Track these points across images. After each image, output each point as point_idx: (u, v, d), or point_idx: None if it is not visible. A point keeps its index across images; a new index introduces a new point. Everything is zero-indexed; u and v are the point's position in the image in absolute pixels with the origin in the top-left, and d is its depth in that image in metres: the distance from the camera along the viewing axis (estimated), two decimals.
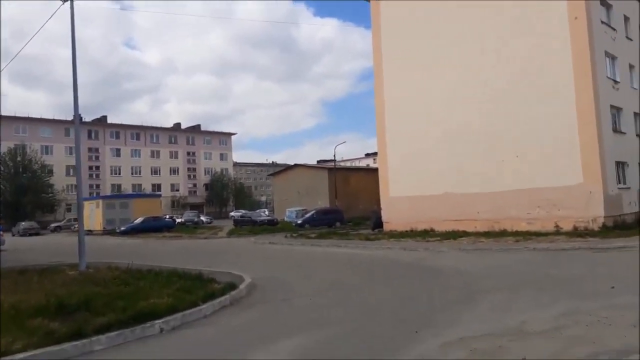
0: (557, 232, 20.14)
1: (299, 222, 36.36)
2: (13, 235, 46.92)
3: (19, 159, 64.07)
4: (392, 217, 28.18)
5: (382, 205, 29.00)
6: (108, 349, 5.94)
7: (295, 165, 57.80)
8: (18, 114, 65.71)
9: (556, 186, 21.66)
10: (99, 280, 10.72)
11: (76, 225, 48.53)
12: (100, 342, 5.93)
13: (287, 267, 14.52)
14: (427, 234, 23.28)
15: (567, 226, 20.77)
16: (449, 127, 25.44)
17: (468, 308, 7.36)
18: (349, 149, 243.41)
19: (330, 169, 50.60)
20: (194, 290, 9.01)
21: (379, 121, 29.17)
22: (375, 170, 50.83)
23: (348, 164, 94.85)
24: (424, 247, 18.00)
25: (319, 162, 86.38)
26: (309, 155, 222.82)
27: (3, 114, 67.67)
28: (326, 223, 36.09)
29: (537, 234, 19.63)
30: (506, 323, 6.18)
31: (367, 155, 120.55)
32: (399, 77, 28.04)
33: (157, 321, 6.81)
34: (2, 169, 64.25)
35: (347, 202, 45.98)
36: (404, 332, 6.07)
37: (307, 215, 37.99)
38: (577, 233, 19.11)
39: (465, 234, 22.12)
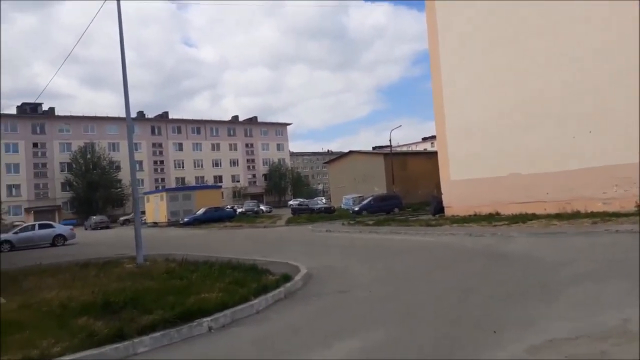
0: None
1: (356, 209, 35.69)
2: (85, 229, 49.54)
3: (88, 156, 67.62)
4: (454, 201, 26.92)
5: (443, 190, 27.76)
6: (152, 351, 5.55)
7: (351, 152, 56.91)
8: (86, 114, 69.08)
9: (635, 162, 19.63)
10: (154, 274, 10.62)
11: (144, 218, 50.87)
12: (144, 344, 5.55)
13: (344, 255, 13.91)
14: (492, 218, 21.89)
15: None
16: (514, 104, 23.77)
17: (549, 302, 6.40)
18: (405, 134, 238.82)
19: (386, 154, 49.39)
20: (247, 282, 8.61)
21: (437, 102, 27.81)
22: (434, 153, 49.06)
23: (404, 149, 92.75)
24: (490, 232, 16.79)
25: (374, 148, 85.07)
26: (364, 142, 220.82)
27: (74, 114, 71.64)
28: (384, 209, 35.18)
29: (617, 215, 17.81)
30: (602, 322, 5.20)
31: (424, 139, 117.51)
32: (456, 56, 26.55)
33: (205, 319, 6.39)
34: (74, 166, 68.05)
35: (405, 188, 44.72)
36: (479, 333, 5.26)
37: (364, 202, 37.22)
38: None
39: (534, 217, 20.59)
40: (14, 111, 66.90)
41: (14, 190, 66.45)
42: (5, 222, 50.05)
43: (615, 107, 20.30)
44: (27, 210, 65.57)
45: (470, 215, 24.25)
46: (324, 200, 55.56)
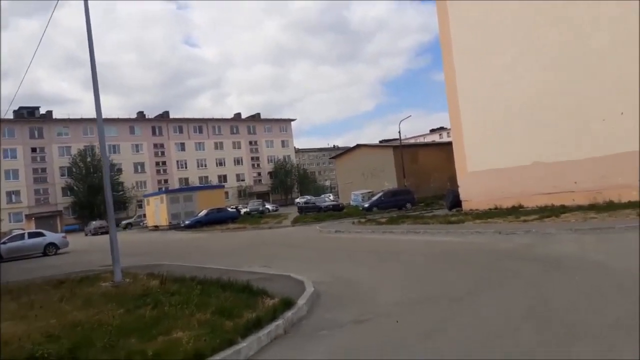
0: None
1: (366, 205, 33.66)
2: (86, 235, 47.89)
3: (89, 159, 65.93)
4: (472, 194, 24.90)
5: (459, 182, 25.74)
6: None
7: (358, 145, 54.77)
8: (85, 116, 67.37)
9: None
10: (127, 296, 8.72)
11: (145, 222, 49.10)
12: None
13: (357, 262, 11.92)
14: (516, 212, 19.86)
15: None
16: (537, 87, 21.75)
17: None
18: (412, 126, 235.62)
19: (395, 147, 47.25)
20: (237, 311, 6.65)
21: (450, 91, 25.79)
22: (447, 144, 46.97)
23: (412, 142, 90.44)
24: (523, 228, 14.72)
25: (381, 142, 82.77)
26: (370, 136, 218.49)
27: (75, 117, 70.10)
28: (395, 205, 33.13)
29: None
30: None
31: (432, 131, 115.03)
32: (470, 42, 24.61)
33: None
34: (74, 170, 66.43)
35: (417, 181, 42.64)
36: None
37: (374, 197, 35.19)
38: None
39: (564, 209, 18.55)
40: (11, 116, 65.15)
41: (13, 196, 64.86)
42: (4, 231, 48.41)
43: None
44: (28, 217, 64.04)
45: (490, 209, 22.28)
46: (331, 197, 53.57)
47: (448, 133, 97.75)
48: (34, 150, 67.52)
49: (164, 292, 8.44)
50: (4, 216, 57.70)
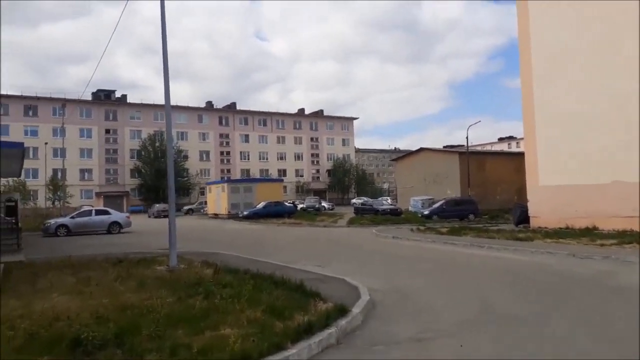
0: None
1: (426, 212, 32.55)
2: (149, 217, 49.80)
3: (157, 144, 68.65)
4: (542, 210, 23.33)
5: (529, 196, 24.23)
6: None
7: (421, 149, 53.32)
8: (157, 102, 70.23)
9: None
10: (180, 283, 8.64)
11: (206, 209, 50.39)
12: None
13: (415, 272, 11.30)
14: (591, 234, 18.31)
15: None
16: (621, 97, 20.05)
17: None
18: (479, 133, 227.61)
19: (461, 153, 45.52)
20: (288, 312, 6.31)
21: (526, 98, 24.30)
22: (517, 154, 44.86)
23: (478, 149, 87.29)
24: (600, 253, 13.45)
25: (445, 147, 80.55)
26: (434, 140, 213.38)
27: (148, 103, 73.33)
28: (457, 215, 31.82)
29: None
30: None
31: (501, 139, 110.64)
32: (552, 47, 23.02)
33: None
34: (143, 154, 69.43)
35: (482, 192, 40.84)
36: None
37: (436, 205, 33.96)
38: None
39: None
40: (89, 97, 69.12)
41: (86, 174, 68.82)
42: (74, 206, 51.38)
43: None
44: (98, 195, 67.70)
45: (561, 228, 20.75)
46: (389, 201, 52.51)
47: (518, 143, 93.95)
48: (107, 131, 71.27)
49: (217, 283, 8.28)
50: (75, 192, 61.27)
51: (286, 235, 24.08)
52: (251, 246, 18.14)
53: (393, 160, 68.82)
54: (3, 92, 60.56)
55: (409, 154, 57.05)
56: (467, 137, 44.04)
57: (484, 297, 8.35)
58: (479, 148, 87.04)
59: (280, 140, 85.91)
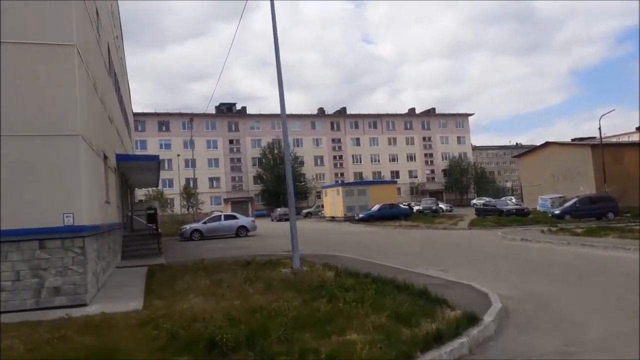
0: None
1: (557, 212, 29.86)
2: (272, 221, 52.31)
3: (276, 151, 72.07)
4: None
5: None
6: None
7: (547, 143, 49.16)
8: (274, 112, 73.65)
9: None
10: (305, 285, 8.84)
11: (323, 212, 51.65)
12: None
13: (550, 278, 10.31)
14: None
15: None
16: None
17: None
18: (610, 124, 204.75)
19: (594, 146, 41.15)
20: (414, 319, 6.09)
21: None
22: None
23: (613, 141, 78.27)
24: None
25: (573, 140, 73.40)
26: (559, 134, 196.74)
27: (265, 113, 77.44)
28: (593, 214, 28.72)
29: None
30: None
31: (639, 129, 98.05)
32: None
33: None
34: (263, 161, 73.42)
35: (620, 188, 36.47)
36: None
37: (568, 204, 31.00)
38: None
39: None
40: (213, 111, 74.93)
41: (214, 182, 74.46)
42: (205, 212, 55.74)
43: None
44: (226, 201, 72.81)
45: None
46: (514, 200, 49.18)
47: None
48: (231, 142, 76.44)
49: (339, 286, 8.31)
50: (205, 199, 66.57)
51: (404, 238, 23.64)
52: (369, 249, 18.07)
53: (515, 157, 64.47)
54: (140, 111, 68.17)
55: (533, 149, 53.03)
56: (599, 128, 39.58)
57: (635, 307, 7.32)
58: (613, 140, 78.15)
59: (392, 141, 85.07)
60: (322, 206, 53.76)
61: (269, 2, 11.80)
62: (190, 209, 54.69)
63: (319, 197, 69.34)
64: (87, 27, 10.65)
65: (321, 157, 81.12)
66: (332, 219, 46.45)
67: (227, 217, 30.28)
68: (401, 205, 44.23)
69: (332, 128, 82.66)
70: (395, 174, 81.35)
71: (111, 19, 18.96)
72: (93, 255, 9.62)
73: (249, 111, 79.60)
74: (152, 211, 23.00)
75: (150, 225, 22.23)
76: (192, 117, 61.15)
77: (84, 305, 8.41)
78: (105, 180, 12.74)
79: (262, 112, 78.22)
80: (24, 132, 8.52)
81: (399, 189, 61.73)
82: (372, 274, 9.80)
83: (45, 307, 8.25)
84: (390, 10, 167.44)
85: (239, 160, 76.74)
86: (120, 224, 17.36)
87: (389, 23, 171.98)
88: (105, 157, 12.80)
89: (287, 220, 47.70)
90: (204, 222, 29.31)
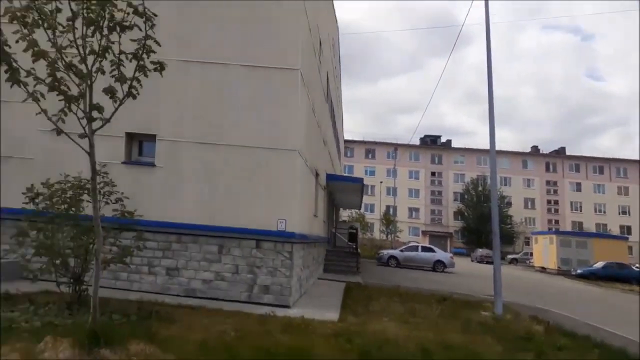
0: None
1: None
2: (471, 261, 49.67)
3: (480, 188, 68.57)
4: None
5: None
6: None
7: None
8: (480, 147, 70.56)
9: None
10: (506, 333, 7.91)
11: (532, 260, 46.90)
12: None
13: None
14: None
15: None
16: None
17: None
18: None
19: None
20: None
21: None
22: None
23: None
24: None
25: None
26: None
27: (471, 147, 74.86)
28: None
29: None
30: None
31: None
32: None
33: None
34: (466, 197, 70.49)
35: None
36: None
37: None
38: None
39: None
40: (417, 142, 75.40)
41: (414, 213, 74.30)
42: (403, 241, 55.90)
43: None
44: (424, 233, 71.88)
45: None
46: None
47: None
48: (433, 174, 75.54)
49: (549, 343, 7.18)
50: (403, 227, 66.86)
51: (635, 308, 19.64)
52: (588, 309, 15.45)
53: None
54: (350, 138, 72.59)
55: None
56: None
57: None
58: None
59: (622, 190, 72.84)
60: (531, 254, 48.78)
61: (485, 34, 11.25)
62: (389, 236, 55.50)
63: (527, 243, 63.29)
64: (310, 54, 11.66)
65: (532, 200, 74.09)
66: (543, 269, 41.63)
67: (425, 249, 29.68)
68: (633, 267, 37.24)
69: (547, 169, 74.93)
70: (626, 230, 69.24)
71: (332, 50, 20.61)
72: (299, 262, 10.29)
73: (454, 145, 77.83)
74: (354, 231, 23.95)
75: (351, 243, 23.14)
76: (396, 146, 62.54)
77: (287, 306, 9.00)
78: (315, 195, 13.66)
79: (467, 147, 75.66)
80: (250, 144, 9.63)
81: (630, 247, 52.23)
82: (594, 338, 8.24)
83: (256, 301, 9.08)
84: (622, 44, 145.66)
85: (439, 193, 75.25)
86: (325, 238, 18.43)
87: (623, 57, 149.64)
88: (317, 175, 13.74)
89: (488, 262, 45.16)
90: (401, 250, 29.29)
